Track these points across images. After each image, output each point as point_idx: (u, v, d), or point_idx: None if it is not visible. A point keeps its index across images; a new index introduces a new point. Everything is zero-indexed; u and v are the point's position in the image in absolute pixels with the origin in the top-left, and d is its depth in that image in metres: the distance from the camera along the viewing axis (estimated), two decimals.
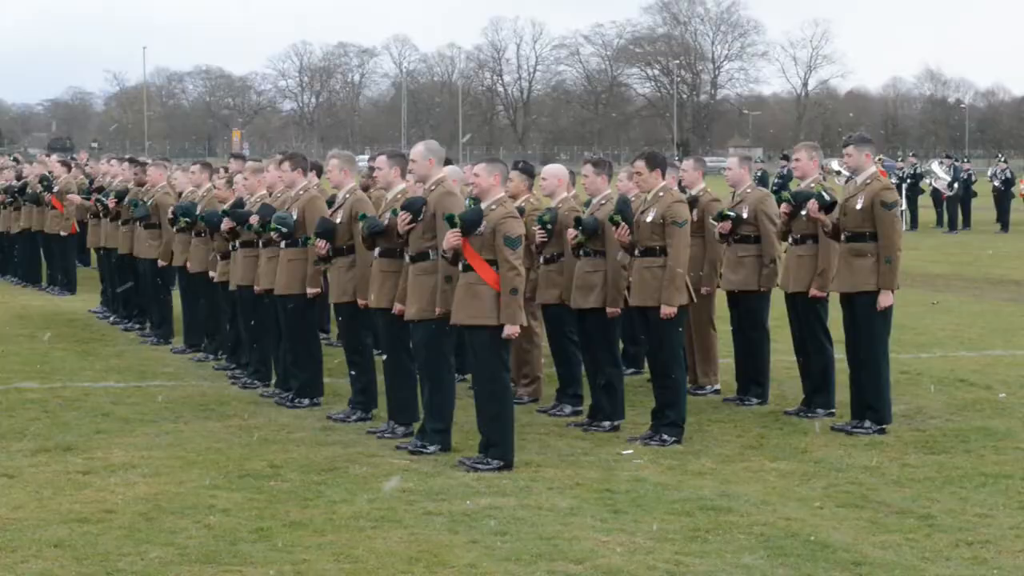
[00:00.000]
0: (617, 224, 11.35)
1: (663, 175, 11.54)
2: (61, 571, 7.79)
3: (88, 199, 19.68)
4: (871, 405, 11.58)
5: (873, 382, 11.56)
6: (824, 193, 11.74)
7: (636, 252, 11.41)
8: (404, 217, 10.78)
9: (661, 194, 11.41)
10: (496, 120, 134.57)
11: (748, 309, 12.99)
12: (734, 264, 12.97)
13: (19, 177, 24.60)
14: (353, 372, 12.31)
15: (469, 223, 10.28)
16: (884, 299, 11.43)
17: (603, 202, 11.99)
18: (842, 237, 11.69)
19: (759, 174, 34.42)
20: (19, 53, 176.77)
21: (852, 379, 11.79)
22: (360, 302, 11.83)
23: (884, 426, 11.56)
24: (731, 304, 13.20)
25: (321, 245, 11.99)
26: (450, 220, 10.32)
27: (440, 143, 11.58)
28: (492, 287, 10.19)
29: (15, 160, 31.14)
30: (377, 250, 11.30)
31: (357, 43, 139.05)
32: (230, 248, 13.96)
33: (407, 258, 10.95)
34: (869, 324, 11.53)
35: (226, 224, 13.66)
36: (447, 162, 11.91)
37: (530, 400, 12.98)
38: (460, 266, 10.38)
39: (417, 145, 11.13)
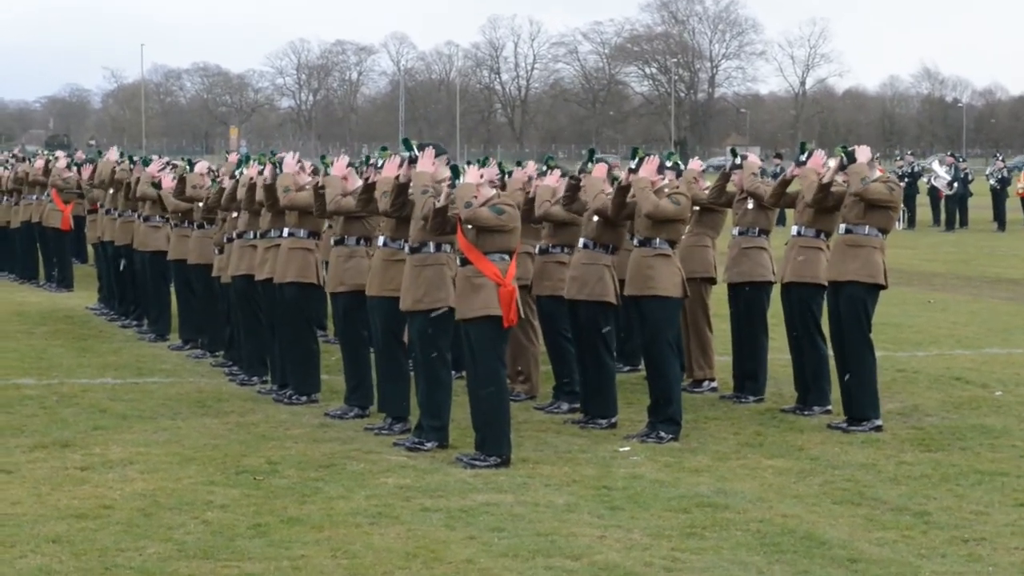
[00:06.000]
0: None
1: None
2: (59, 566, 7.81)
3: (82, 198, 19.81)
4: (853, 397, 11.69)
5: (856, 376, 11.67)
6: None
7: (635, 243, 11.48)
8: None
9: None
10: (494, 118, 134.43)
11: (748, 302, 13.04)
12: (737, 256, 13.03)
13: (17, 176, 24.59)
14: (348, 368, 12.34)
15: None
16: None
17: (609, 194, 12.00)
18: (841, 228, 11.83)
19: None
20: (17, 50, 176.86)
21: (839, 374, 11.87)
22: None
23: (878, 423, 11.60)
24: (731, 297, 13.23)
25: None
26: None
27: (438, 141, 11.60)
28: (491, 279, 10.22)
29: (15, 158, 31.09)
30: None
31: (355, 41, 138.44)
32: (224, 239, 14.02)
33: (407, 249, 10.99)
34: (852, 316, 11.65)
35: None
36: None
37: (527, 397, 13.00)
38: (459, 260, 10.43)
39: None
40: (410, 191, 11.01)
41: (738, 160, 13.14)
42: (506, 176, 13.47)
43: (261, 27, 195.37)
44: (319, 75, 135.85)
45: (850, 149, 11.79)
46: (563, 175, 12.52)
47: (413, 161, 10.95)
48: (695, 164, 13.74)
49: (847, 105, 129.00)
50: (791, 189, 12.64)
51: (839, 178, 11.97)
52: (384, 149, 11.94)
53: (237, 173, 13.96)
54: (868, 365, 11.71)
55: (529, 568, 7.82)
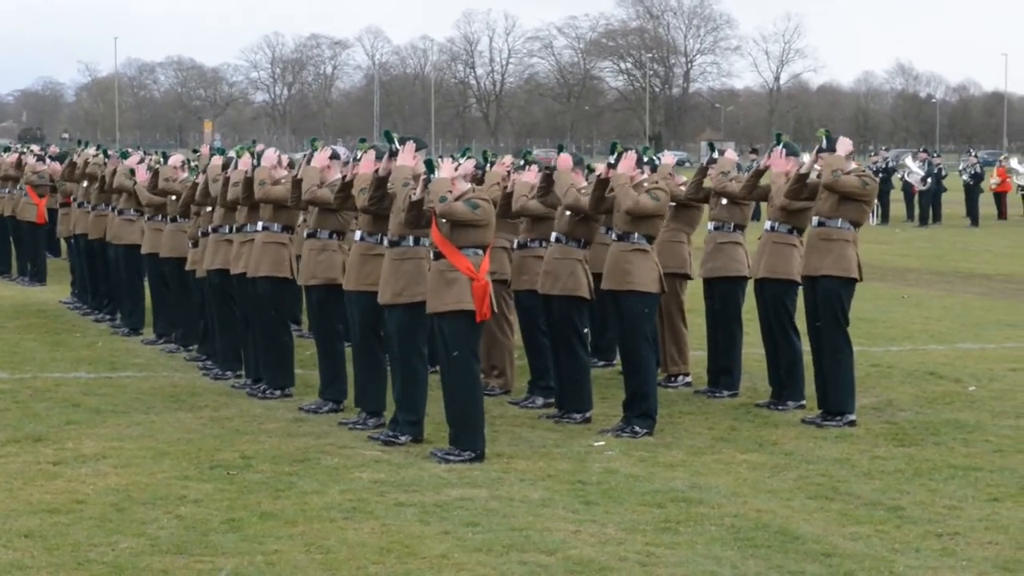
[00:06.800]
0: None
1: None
2: (31, 562, 7.77)
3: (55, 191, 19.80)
4: (830, 391, 11.72)
5: (833, 370, 11.69)
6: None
7: (613, 237, 11.48)
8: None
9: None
10: (468, 113, 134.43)
11: (723, 296, 13.05)
12: (712, 251, 13.04)
13: None
14: (322, 362, 12.31)
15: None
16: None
17: (582, 190, 11.99)
18: (814, 222, 11.84)
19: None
20: None
21: (816, 369, 11.88)
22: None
23: (852, 418, 11.62)
24: (707, 292, 13.24)
25: None
26: (428, 165, 10.50)
27: (412, 135, 11.61)
28: (465, 273, 10.21)
29: None
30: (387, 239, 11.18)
31: (329, 35, 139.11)
32: (199, 233, 13.98)
33: (386, 242, 10.98)
34: (828, 310, 11.67)
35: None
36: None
37: (501, 392, 12.98)
38: (432, 254, 10.43)
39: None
40: (389, 185, 11.00)
41: (715, 155, 13.15)
42: (488, 166, 13.44)
43: (235, 21, 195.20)
44: (293, 69, 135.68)
45: (833, 136, 11.83)
46: (540, 170, 12.51)
47: (393, 154, 10.94)
48: (669, 159, 13.70)
49: (821, 101, 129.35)
50: (764, 181, 12.66)
51: (814, 171, 11.96)
52: (363, 141, 11.92)
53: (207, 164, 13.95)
54: (845, 359, 11.73)
55: (503, 563, 7.81)
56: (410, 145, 10.90)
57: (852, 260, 11.65)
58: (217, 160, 13.83)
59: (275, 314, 12.82)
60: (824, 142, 11.82)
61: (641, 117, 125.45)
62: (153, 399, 12.66)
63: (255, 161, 12.83)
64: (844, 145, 11.71)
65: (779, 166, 12.35)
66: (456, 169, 10.49)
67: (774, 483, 9.69)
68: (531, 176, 12.43)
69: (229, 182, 13.12)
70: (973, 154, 44.93)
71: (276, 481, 9.59)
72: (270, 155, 12.87)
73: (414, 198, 10.57)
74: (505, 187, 12.73)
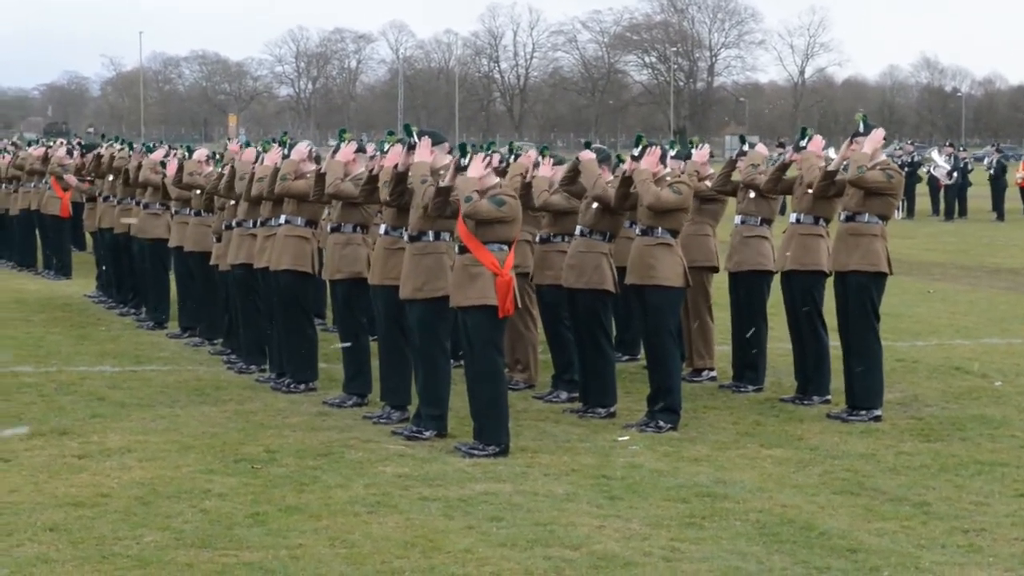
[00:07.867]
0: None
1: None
2: (57, 555, 7.78)
3: (83, 182, 19.83)
4: (857, 387, 11.65)
5: (862, 366, 11.63)
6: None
7: (637, 231, 11.45)
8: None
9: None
10: (493, 107, 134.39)
11: (748, 290, 13.00)
12: (739, 244, 13.00)
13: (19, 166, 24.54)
14: (346, 356, 12.31)
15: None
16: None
17: (610, 182, 11.95)
18: (842, 216, 11.78)
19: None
20: (15, 37, 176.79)
21: (845, 364, 11.82)
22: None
23: (877, 413, 11.57)
24: (732, 286, 13.19)
25: None
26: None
27: (437, 129, 11.60)
28: (489, 268, 10.20)
29: (14, 145, 31.00)
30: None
31: (354, 29, 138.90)
32: (222, 227, 14.00)
33: (406, 237, 10.97)
34: (857, 305, 11.61)
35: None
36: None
37: (525, 386, 12.97)
38: (457, 248, 10.41)
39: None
40: (409, 180, 10.99)
41: (745, 147, 13.11)
42: (511, 158, 13.37)
43: (260, 15, 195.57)
44: (318, 63, 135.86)
45: (870, 123, 11.78)
46: (556, 163, 12.50)
47: (412, 148, 10.93)
48: (703, 154, 13.56)
49: (846, 95, 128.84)
50: (789, 175, 12.61)
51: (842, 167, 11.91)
52: (391, 134, 11.91)
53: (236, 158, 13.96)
54: (875, 354, 11.67)
55: (527, 558, 7.80)
56: (426, 140, 10.88)
57: (880, 254, 11.59)
58: (249, 153, 13.82)
59: (297, 307, 12.81)
60: (861, 127, 11.76)
61: (665, 111, 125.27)
62: (178, 393, 12.68)
63: (286, 151, 12.84)
64: (874, 138, 11.61)
65: (815, 147, 12.28)
66: (486, 168, 10.45)
67: (799, 478, 9.66)
68: (547, 170, 12.41)
69: (254, 177, 13.13)
70: (994, 147, 44.74)
71: (300, 475, 9.60)
72: (301, 148, 12.89)
73: (442, 184, 10.55)
74: (524, 175, 12.66)
